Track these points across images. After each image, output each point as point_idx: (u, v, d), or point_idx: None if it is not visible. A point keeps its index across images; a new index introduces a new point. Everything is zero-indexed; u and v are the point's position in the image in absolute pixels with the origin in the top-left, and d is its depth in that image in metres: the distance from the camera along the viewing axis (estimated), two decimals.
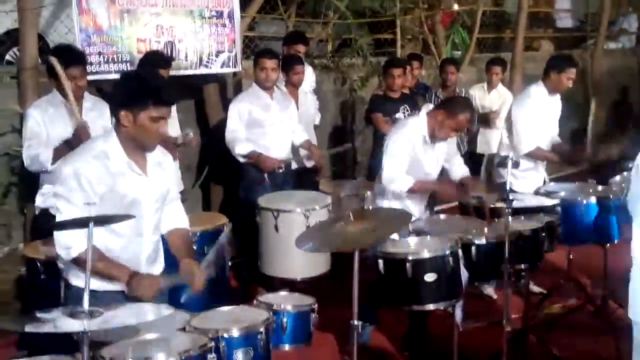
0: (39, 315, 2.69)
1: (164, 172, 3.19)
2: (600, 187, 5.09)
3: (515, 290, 5.16)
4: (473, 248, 4.01)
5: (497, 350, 4.02)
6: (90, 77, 4.95)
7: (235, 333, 3.06)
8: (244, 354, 3.06)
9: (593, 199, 4.81)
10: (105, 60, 5.69)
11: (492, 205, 4.61)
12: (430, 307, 3.78)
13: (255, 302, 3.50)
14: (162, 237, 3.33)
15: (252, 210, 4.94)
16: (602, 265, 4.96)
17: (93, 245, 2.76)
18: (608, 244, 4.90)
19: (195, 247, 4.28)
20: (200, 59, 6.33)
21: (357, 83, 8.17)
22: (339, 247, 3.70)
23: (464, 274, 3.87)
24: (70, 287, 3.09)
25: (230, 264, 4.72)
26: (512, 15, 10.89)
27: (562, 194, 4.99)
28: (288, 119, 5.57)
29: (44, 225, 4.45)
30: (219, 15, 6.39)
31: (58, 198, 2.95)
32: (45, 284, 3.90)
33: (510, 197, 3.88)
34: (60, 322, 2.56)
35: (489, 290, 5.40)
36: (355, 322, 3.22)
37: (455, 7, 9.68)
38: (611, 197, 4.78)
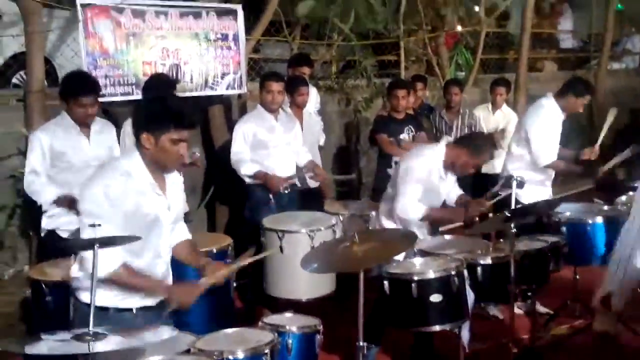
0: (44, 337, 2.69)
1: (179, 192, 3.28)
2: (606, 207, 5.08)
3: (522, 311, 5.16)
4: (479, 268, 4.01)
5: None
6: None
7: (240, 355, 3.06)
8: None
9: (599, 219, 4.80)
10: (112, 83, 5.72)
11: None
12: (436, 328, 3.76)
13: (260, 323, 3.50)
14: None
15: (257, 231, 4.93)
16: None
17: (126, 263, 2.94)
18: None
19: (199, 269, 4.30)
20: (206, 81, 6.36)
21: (361, 104, 8.20)
22: (344, 268, 3.69)
23: (470, 294, 3.86)
24: (80, 306, 3.08)
25: (235, 285, 4.70)
26: (515, 36, 10.93)
27: (568, 214, 4.99)
28: (293, 140, 5.58)
29: (51, 247, 4.48)
30: (224, 37, 6.43)
31: (89, 217, 2.95)
32: (51, 306, 3.89)
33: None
34: (66, 344, 2.56)
35: (495, 311, 5.37)
36: (361, 343, 3.20)
37: (459, 28, 9.74)
38: (617, 216, 4.76)
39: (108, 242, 2.82)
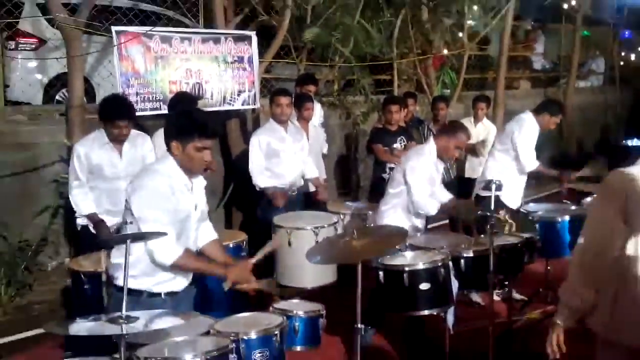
0: (82, 320, 2.69)
1: (203, 194, 3.30)
2: (574, 207, 5.07)
3: (500, 297, 5.14)
4: (462, 260, 3.99)
5: (484, 351, 3.97)
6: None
7: (254, 336, 3.03)
8: (261, 354, 3.03)
9: (567, 217, 4.78)
10: (142, 99, 5.74)
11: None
12: (425, 312, 3.74)
13: (271, 308, 3.49)
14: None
15: (268, 228, 4.93)
16: None
17: (188, 249, 3.03)
18: None
19: None
20: (224, 98, 6.38)
21: (359, 118, 8.20)
22: (344, 260, 3.68)
23: (455, 283, 3.84)
24: (116, 292, 3.06)
25: None
26: (494, 59, 10.92)
27: (540, 213, 4.97)
28: (300, 150, 5.58)
29: (85, 241, 4.51)
30: (240, 60, 6.45)
31: (144, 223, 2.95)
32: (89, 293, 3.89)
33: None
34: (101, 326, 2.56)
35: (477, 297, 5.35)
36: (359, 326, 3.19)
37: (445, 51, 9.72)
38: (584, 215, 4.72)
39: (137, 237, 2.82)
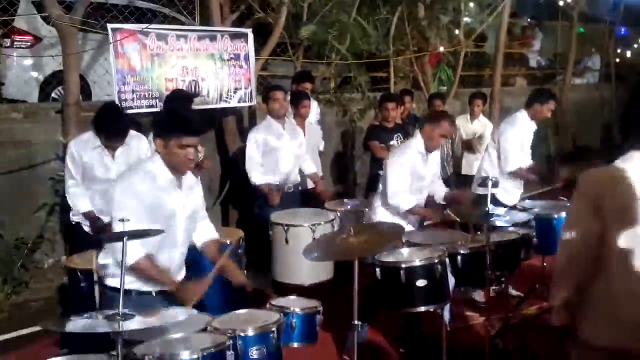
0: (79, 317, 2.68)
1: (195, 194, 3.31)
2: (569, 204, 5.06)
3: (497, 293, 5.14)
4: (459, 257, 3.99)
5: (481, 347, 3.98)
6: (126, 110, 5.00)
7: (251, 332, 3.03)
8: (258, 351, 3.03)
9: (563, 214, 4.78)
10: (138, 97, 5.72)
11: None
12: (422, 309, 3.74)
13: (267, 305, 3.47)
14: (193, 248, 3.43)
15: (265, 225, 4.93)
16: None
17: (148, 255, 2.98)
18: None
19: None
20: (220, 95, 6.36)
21: (356, 115, 8.20)
22: (341, 256, 3.69)
23: (451, 279, 3.84)
24: (106, 290, 3.12)
25: (246, 272, 4.69)
26: (490, 56, 10.94)
27: (537, 210, 4.98)
28: (297, 147, 5.58)
29: (78, 238, 4.51)
30: (237, 57, 6.44)
31: (118, 211, 2.98)
32: (85, 290, 3.88)
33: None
34: (99, 323, 2.55)
35: (478, 296, 5.33)
36: (356, 322, 3.20)
37: (441, 49, 9.73)
38: None
39: (135, 234, 2.82)
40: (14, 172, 5.65)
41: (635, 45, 14.62)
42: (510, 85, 12.06)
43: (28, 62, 6.73)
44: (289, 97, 5.80)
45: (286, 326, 3.28)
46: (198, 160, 5.01)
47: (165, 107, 5.13)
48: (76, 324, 2.65)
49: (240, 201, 6.66)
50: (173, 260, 3.20)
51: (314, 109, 6.48)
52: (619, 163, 2.51)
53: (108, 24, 5.62)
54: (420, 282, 3.66)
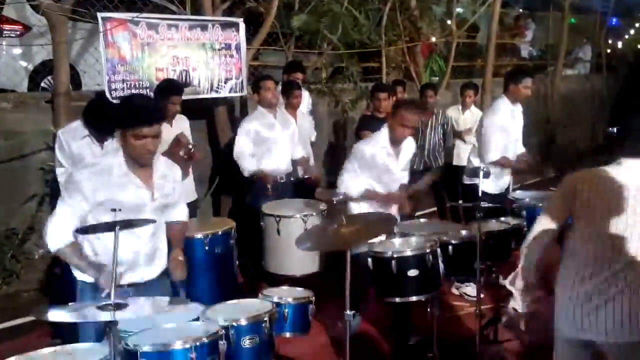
0: (70, 307, 2.69)
1: (168, 183, 3.20)
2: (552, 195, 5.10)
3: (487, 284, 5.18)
4: (450, 247, 4.02)
5: (471, 337, 4.02)
6: (115, 102, 4.95)
7: (243, 322, 3.06)
8: (251, 340, 3.06)
9: None
10: (128, 86, 5.70)
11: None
12: (413, 298, 3.77)
13: (260, 295, 3.50)
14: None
15: (257, 216, 4.94)
16: None
17: (74, 242, 2.96)
18: None
19: (206, 248, 4.30)
20: (211, 85, 6.35)
21: (348, 105, 8.20)
22: (333, 246, 3.71)
23: (442, 269, 3.87)
24: (74, 282, 3.12)
25: (237, 263, 4.71)
26: (482, 46, 10.96)
27: (528, 200, 5.02)
28: (289, 137, 5.59)
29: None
30: (228, 47, 6.42)
31: (69, 196, 3.00)
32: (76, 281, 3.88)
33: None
34: (91, 313, 2.55)
35: (468, 290, 5.37)
36: (348, 312, 3.22)
37: (433, 39, 9.73)
38: None
39: (127, 225, 2.81)
40: (4, 162, 5.62)
41: (627, 36, 14.69)
42: (502, 76, 12.03)
43: (17, 51, 6.67)
44: (279, 87, 5.80)
45: (279, 316, 3.31)
46: (190, 154, 5.06)
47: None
48: (68, 314, 2.66)
49: (232, 191, 6.66)
50: (138, 252, 3.11)
51: (306, 99, 6.48)
52: (607, 167, 2.73)
53: (98, 13, 5.58)
54: (412, 272, 3.69)
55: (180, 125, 5.21)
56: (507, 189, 5.47)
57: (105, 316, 2.45)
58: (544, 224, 2.86)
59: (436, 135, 6.96)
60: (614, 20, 14.57)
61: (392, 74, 9.16)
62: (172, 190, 3.25)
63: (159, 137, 3.02)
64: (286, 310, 3.37)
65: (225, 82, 6.43)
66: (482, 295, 3.97)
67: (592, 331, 2.63)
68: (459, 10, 9.69)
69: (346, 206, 4.44)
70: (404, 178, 4.65)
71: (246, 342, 3.04)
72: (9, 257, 5.50)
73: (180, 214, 3.46)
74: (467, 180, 5.33)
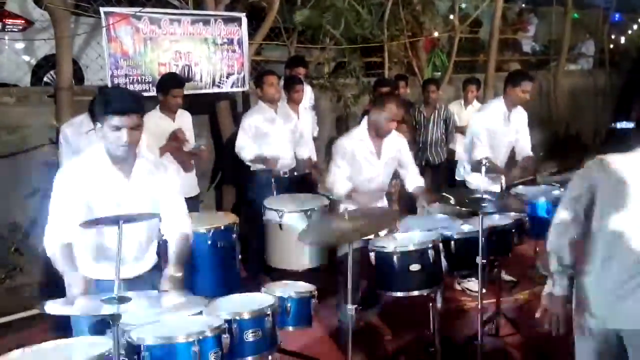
0: (75, 301, 2.70)
1: (154, 182, 3.08)
2: (562, 189, 5.10)
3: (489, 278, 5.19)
4: (452, 242, 4.02)
5: (473, 332, 4.03)
6: None
7: (246, 316, 3.06)
8: (254, 334, 3.07)
9: (556, 200, 4.82)
10: (131, 81, 5.71)
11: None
12: (415, 293, 3.78)
13: (262, 289, 3.51)
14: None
15: (260, 210, 4.95)
16: None
17: (64, 247, 2.90)
18: None
19: (209, 242, 4.31)
20: (213, 80, 6.35)
21: (350, 100, 8.18)
22: (336, 241, 3.72)
23: (444, 264, 3.88)
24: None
25: (240, 257, 4.72)
26: (485, 41, 10.94)
27: (530, 194, 5.02)
28: (290, 131, 5.60)
29: None
30: (230, 42, 6.42)
31: (51, 198, 2.97)
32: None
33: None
34: (95, 306, 2.56)
35: (470, 285, 5.37)
36: (350, 306, 3.23)
37: (436, 34, 9.71)
38: None
39: (130, 219, 2.81)
40: (7, 156, 5.63)
41: (630, 31, 14.64)
42: (504, 71, 12.03)
43: (20, 45, 6.67)
44: (282, 82, 5.80)
45: (281, 310, 3.32)
46: (199, 151, 5.07)
47: (162, 91, 5.11)
48: (72, 308, 2.67)
49: (234, 186, 6.67)
50: (126, 249, 3.01)
51: (308, 94, 6.48)
52: (624, 154, 2.67)
53: (100, 8, 5.58)
54: (414, 267, 3.69)
55: (182, 120, 5.23)
56: (505, 187, 5.44)
57: (109, 309, 2.46)
58: (569, 205, 2.76)
59: (438, 131, 6.97)
60: (617, 15, 14.52)
61: (394, 69, 9.15)
62: (159, 190, 3.10)
63: (136, 129, 2.89)
64: (289, 304, 3.38)
65: (227, 77, 6.43)
66: (484, 290, 3.97)
67: (619, 319, 2.60)
68: (461, 5, 9.66)
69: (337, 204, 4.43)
70: (388, 175, 4.48)
71: (249, 336, 3.05)
72: (13, 251, 5.52)
73: (182, 224, 3.22)
74: (458, 177, 5.38)
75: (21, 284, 5.48)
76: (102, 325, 2.82)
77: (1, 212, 5.53)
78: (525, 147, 5.35)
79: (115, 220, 2.64)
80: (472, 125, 5.19)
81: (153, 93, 5.57)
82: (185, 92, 5.29)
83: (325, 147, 8.02)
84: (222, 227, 4.41)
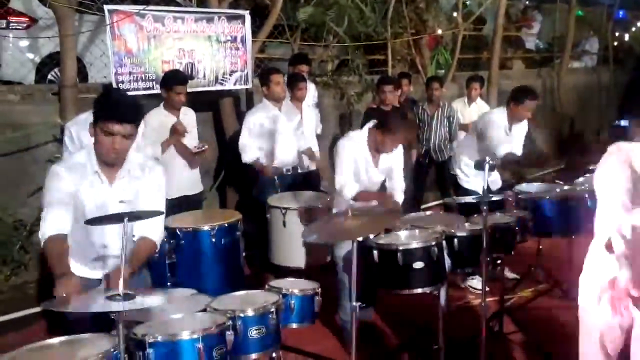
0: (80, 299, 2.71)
1: (136, 186, 3.06)
2: (566, 187, 5.11)
3: (492, 276, 5.20)
4: (455, 240, 4.01)
5: (476, 330, 4.03)
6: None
7: (250, 313, 3.07)
8: (257, 331, 3.08)
9: (559, 197, 4.83)
10: (135, 79, 5.73)
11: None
12: (418, 290, 3.77)
13: (266, 287, 3.51)
14: None
15: (263, 208, 4.96)
16: (568, 254, 4.98)
17: (52, 239, 2.86)
18: (573, 236, 4.92)
19: (213, 240, 4.32)
20: (217, 78, 6.37)
21: (353, 98, 8.20)
22: (339, 238, 3.72)
23: (447, 261, 3.89)
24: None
25: (244, 254, 4.73)
26: (488, 38, 10.92)
27: (533, 192, 5.02)
28: (294, 129, 5.60)
29: None
30: (233, 39, 6.43)
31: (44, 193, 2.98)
32: None
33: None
34: (99, 303, 2.57)
35: (474, 283, 5.38)
36: (354, 303, 3.24)
37: (439, 31, 9.71)
38: (575, 195, 4.80)
39: (137, 216, 2.82)
40: (12, 154, 5.66)
41: (634, 29, 14.61)
42: (508, 68, 12.06)
43: (24, 43, 6.70)
44: (285, 80, 5.81)
45: (285, 307, 3.32)
46: (202, 150, 5.09)
47: (165, 88, 5.13)
48: (77, 305, 2.69)
49: (238, 184, 6.68)
50: (109, 247, 3.08)
51: (312, 92, 6.49)
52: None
53: (104, 5, 5.61)
54: (417, 265, 3.69)
55: (186, 118, 5.24)
56: (504, 187, 5.46)
57: (114, 306, 2.47)
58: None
59: (442, 128, 6.97)
60: (621, 12, 14.48)
61: (397, 67, 9.15)
62: (141, 194, 3.07)
63: (129, 138, 2.90)
64: (292, 301, 3.38)
65: (230, 75, 6.44)
66: (487, 288, 3.97)
67: None
68: (465, 2, 9.65)
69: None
70: (381, 183, 4.47)
71: (253, 333, 3.06)
72: (17, 249, 5.54)
73: (150, 230, 3.09)
74: (451, 171, 5.41)
75: (25, 282, 5.51)
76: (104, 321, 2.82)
77: (6, 210, 5.56)
78: (517, 151, 5.36)
79: (120, 218, 2.65)
80: (472, 129, 5.29)
81: (156, 91, 5.59)
82: (189, 90, 5.30)
83: (329, 144, 8.04)
84: (226, 225, 4.41)
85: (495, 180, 5.37)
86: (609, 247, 2.73)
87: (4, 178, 5.62)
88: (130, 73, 5.68)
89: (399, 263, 3.68)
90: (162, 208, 3.14)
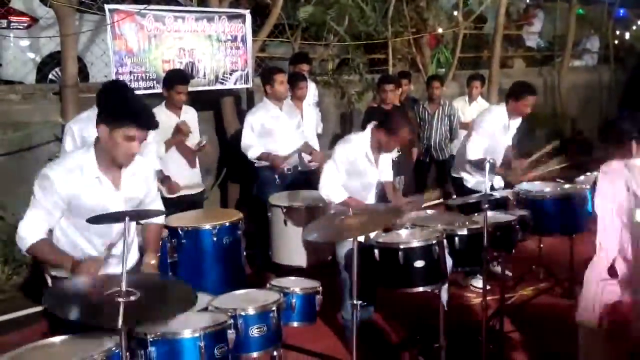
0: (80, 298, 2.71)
1: (138, 182, 3.07)
2: (567, 185, 5.11)
3: (493, 275, 5.21)
4: (456, 238, 4.02)
5: (477, 328, 4.03)
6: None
7: (251, 312, 3.07)
8: (259, 330, 3.09)
9: (560, 196, 4.83)
10: (135, 78, 5.74)
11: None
12: (419, 289, 3.78)
13: (267, 285, 3.52)
14: None
15: (264, 207, 4.97)
16: (569, 253, 4.99)
17: (45, 238, 2.87)
18: (574, 235, 4.93)
19: (214, 239, 4.33)
20: (217, 77, 6.38)
21: (354, 97, 8.20)
22: (340, 237, 3.73)
23: (449, 260, 3.90)
24: (54, 277, 3.07)
25: (245, 253, 4.74)
26: (489, 37, 10.92)
27: (535, 191, 5.02)
28: (295, 127, 5.61)
29: None
30: (234, 39, 6.44)
31: (32, 194, 2.92)
32: None
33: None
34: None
35: (476, 282, 5.38)
36: (355, 302, 3.24)
37: (440, 30, 9.71)
38: (576, 194, 4.80)
39: (137, 215, 2.83)
40: (13, 153, 5.67)
41: (634, 27, 14.60)
42: (508, 67, 12.06)
43: (25, 43, 6.71)
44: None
45: (286, 306, 3.33)
46: (201, 146, 5.11)
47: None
48: (78, 304, 2.69)
49: (239, 183, 6.69)
50: (97, 252, 3.05)
51: (312, 91, 6.49)
52: None
53: (105, 5, 5.62)
54: (418, 263, 3.69)
55: (188, 117, 5.24)
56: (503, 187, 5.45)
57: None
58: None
59: (443, 127, 6.97)
60: (622, 11, 14.46)
61: (398, 66, 9.15)
62: (145, 188, 3.12)
63: (141, 142, 2.91)
64: (294, 300, 3.39)
65: (230, 74, 6.45)
66: (488, 287, 3.98)
67: None
68: (466, 1, 9.65)
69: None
70: (379, 183, 4.49)
71: (254, 331, 3.07)
72: (18, 248, 5.54)
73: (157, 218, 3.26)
74: (453, 173, 5.40)
75: (27, 281, 5.52)
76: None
77: (7, 209, 5.57)
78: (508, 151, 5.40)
79: (121, 217, 2.66)
80: (471, 128, 5.23)
81: (157, 90, 5.60)
82: (190, 89, 5.30)
83: (330, 143, 8.05)
84: (227, 224, 4.42)
85: (498, 179, 5.37)
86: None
87: (5, 177, 5.63)
88: (130, 72, 5.69)
89: (400, 262, 3.69)
90: (159, 197, 3.29)
